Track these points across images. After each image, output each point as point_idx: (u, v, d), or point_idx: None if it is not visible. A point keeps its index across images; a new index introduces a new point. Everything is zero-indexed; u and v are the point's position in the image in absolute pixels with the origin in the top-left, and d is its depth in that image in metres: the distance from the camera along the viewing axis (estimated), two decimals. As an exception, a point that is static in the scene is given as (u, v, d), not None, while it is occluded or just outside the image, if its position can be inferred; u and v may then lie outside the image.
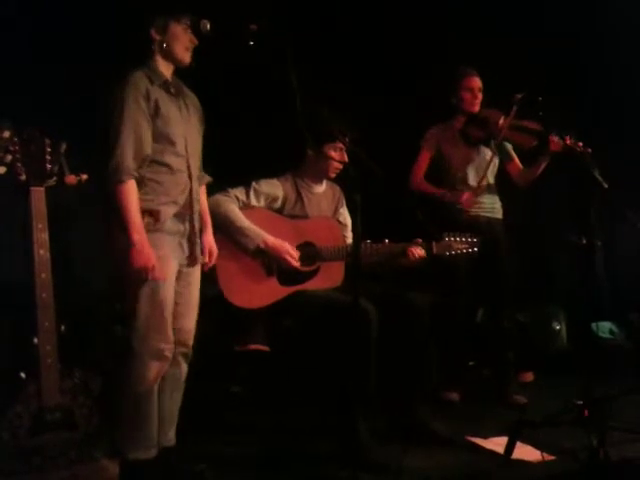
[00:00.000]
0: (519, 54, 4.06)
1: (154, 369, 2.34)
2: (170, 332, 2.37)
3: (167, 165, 2.37)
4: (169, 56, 2.43)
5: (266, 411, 3.25)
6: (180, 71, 2.49)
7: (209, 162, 2.63)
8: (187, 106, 2.49)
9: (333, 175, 3.09)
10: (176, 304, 2.43)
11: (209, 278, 2.69)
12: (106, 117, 2.31)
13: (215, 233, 2.70)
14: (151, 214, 2.31)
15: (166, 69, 2.44)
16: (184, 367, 2.50)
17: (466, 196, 3.47)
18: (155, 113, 2.34)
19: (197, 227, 2.48)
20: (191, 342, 2.50)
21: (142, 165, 2.31)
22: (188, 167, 2.43)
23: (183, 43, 2.41)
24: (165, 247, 2.34)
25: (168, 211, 2.36)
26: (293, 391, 3.27)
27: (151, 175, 2.34)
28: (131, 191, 2.27)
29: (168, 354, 2.37)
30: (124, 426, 2.33)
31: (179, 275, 2.44)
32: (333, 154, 3.01)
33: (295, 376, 3.22)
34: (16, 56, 3.14)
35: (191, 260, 2.47)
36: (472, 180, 3.55)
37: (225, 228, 2.84)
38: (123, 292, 2.35)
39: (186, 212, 2.42)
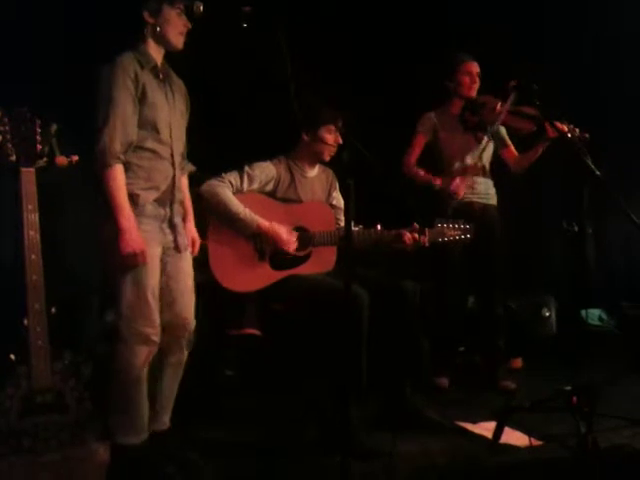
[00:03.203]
0: (516, 48, 4.05)
1: (141, 354, 2.32)
2: (156, 317, 2.34)
3: (151, 151, 2.34)
4: (162, 40, 2.38)
5: (258, 396, 3.24)
6: (171, 53, 2.45)
7: (205, 148, 2.62)
8: (173, 93, 2.45)
9: (328, 158, 3.07)
10: (169, 290, 2.42)
11: (200, 263, 2.68)
12: (94, 100, 2.27)
13: (210, 216, 2.67)
14: (130, 198, 2.28)
15: (157, 53, 2.40)
16: (186, 354, 2.49)
17: (456, 182, 3.41)
18: (142, 98, 2.31)
19: (177, 214, 2.45)
20: (191, 327, 2.48)
21: (127, 150, 2.28)
22: (172, 154, 2.40)
23: (177, 27, 2.36)
24: (146, 231, 2.31)
25: (148, 196, 2.33)
26: (285, 376, 3.28)
27: (133, 160, 2.31)
28: (118, 176, 2.25)
29: (155, 339, 2.34)
30: (114, 411, 2.32)
31: (168, 261, 2.42)
32: (328, 137, 2.99)
33: (287, 361, 3.23)
34: (10, 41, 3.11)
35: (176, 246, 2.44)
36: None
37: (221, 214, 2.84)
38: (111, 277, 2.33)
39: (167, 198, 2.40)
